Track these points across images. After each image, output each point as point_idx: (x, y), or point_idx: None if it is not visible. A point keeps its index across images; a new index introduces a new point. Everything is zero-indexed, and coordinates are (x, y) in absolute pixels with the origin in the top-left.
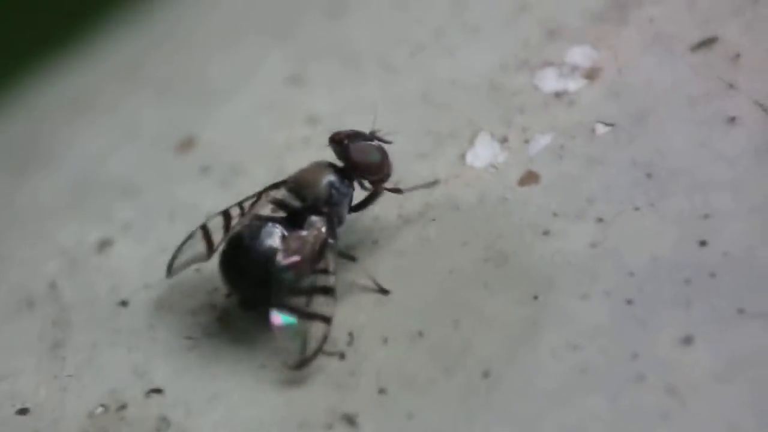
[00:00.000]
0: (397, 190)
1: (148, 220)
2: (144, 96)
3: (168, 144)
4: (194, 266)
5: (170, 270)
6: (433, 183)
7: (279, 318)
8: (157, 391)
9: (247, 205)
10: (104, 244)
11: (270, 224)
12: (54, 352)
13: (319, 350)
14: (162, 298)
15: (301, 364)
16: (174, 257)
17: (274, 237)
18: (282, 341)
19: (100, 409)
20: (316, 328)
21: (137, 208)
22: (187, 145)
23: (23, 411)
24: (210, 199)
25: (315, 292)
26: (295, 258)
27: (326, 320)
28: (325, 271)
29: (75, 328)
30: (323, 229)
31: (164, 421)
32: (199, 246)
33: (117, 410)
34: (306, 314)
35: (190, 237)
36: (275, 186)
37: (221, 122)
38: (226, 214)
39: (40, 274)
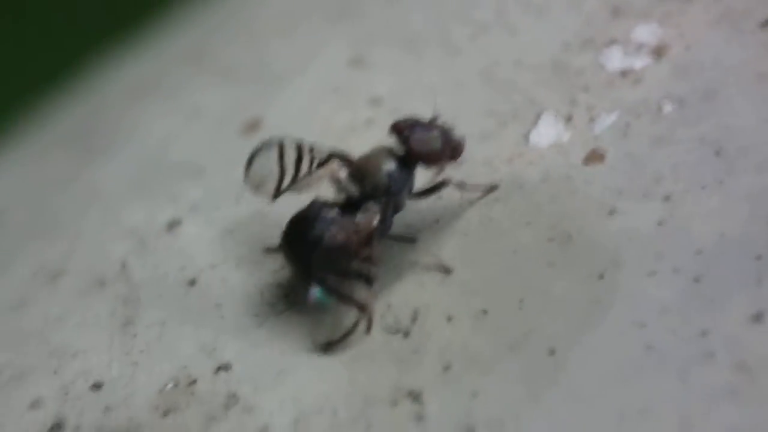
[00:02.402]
0: (461, 185)
1: (214, 201)
2: (208, 79)
3: (233, 126)
4: (261, 193)
5: (247, 174)
6: (495, 187)
7: (315, 295)
8: (226, 367)
9: (316, 160)
10: (172, 225)
11: (327, 208)
12: (125, 330)
13: (348, 335)
14: (229, 276)
15: (328, 346)
16: (251, 160)
17: (327, 222)
18: (315, 317)
19: (170, 385)
20: (350, 312)
21: (204, 190)
22: (251, 127)
23: (97, 386)
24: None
25: (356, 277)
26: (341, 241)
27: (361, 307)
28: (369, 259)
29: (145, 307)
30: (376, 217)
31: (233, 396)
32: (272, 168)
33: (187, 386)
34: (342, 297)
35: (265, 146)
36: (342, 158)
37: (285, 105)
38: (299, 149)
39: (111, 254)
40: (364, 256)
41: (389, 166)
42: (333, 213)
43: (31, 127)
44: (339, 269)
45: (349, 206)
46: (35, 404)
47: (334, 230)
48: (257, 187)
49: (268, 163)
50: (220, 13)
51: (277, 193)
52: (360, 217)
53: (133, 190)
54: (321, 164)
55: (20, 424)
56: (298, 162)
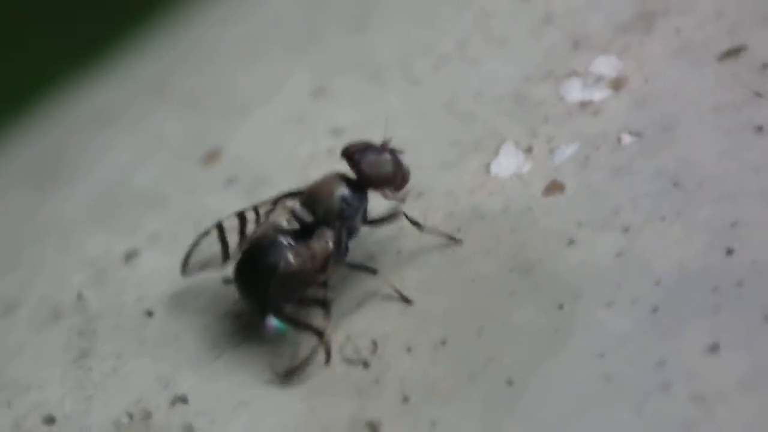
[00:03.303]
0: (416, 224)
1: (174, 231)
2: (170, 110)
3: (194, 156)
4: (209, 269)
5: (185, 268)
6: (457, 240)
7: (273, 324)
8: (183, 400)
9: (263, 211)
10: (131, 255)
11: (281, 236)
12: (80, 362)
13: (306, 363)
14: (187, 308)
15: (288, 373)
16: (188, 255)
17: (283, 249)
18: (273, 348)
19: (125, 419)
20: (308, 340)
21: (163, 220)
22: (212, 157)
23: (49, 420)
24: (235, 210)
25: (312, 304)
26: (297, 267)
27: (319, 333)
28: (325, 285)
29: (101, 338)
30: (330, 243)
31: (189, 429)
32: (214, 248)
33: (142, 419)
34: (300, 324)
35: (205, 234)
36: (292, 195)
37: (246, 135)
38: (241, 216)
39: (67, 285)
40: (320, 282)
41: (341, 190)
42: (287, 240)
43: None
44: (295, 297)
45: (303, 233)
46: None
47: (290, 257)
48: (203, 267)
49: (209, 248)
50: (183, 43)
51: (227, 256)
52: (315, 243)
53: (93, 220)
54: (269, 211)
55: None
56: (243, 228)
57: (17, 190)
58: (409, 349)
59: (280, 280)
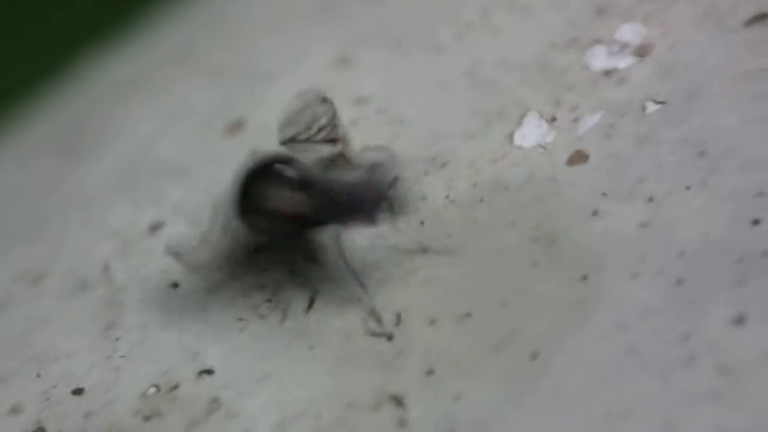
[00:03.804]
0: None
1: (198, 203)
2: (194, 79)
3: (217, 126)
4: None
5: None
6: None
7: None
8: (209, 371)
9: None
10: (155, 227)
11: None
12: (107, 333)
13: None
14: (213, 279)
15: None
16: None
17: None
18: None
19: (152, 390)
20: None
21: (187, 191)
22: (236, 127)
23: (78, 391)
24: None
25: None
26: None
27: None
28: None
29: (128, 310)
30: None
31: (215, 401)
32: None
33: (169, 391)
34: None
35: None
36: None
37: (270, 105)
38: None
39: (93, 256)
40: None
41: None
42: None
43: (16, 129)
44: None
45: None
46: (16, 409)
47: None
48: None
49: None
50: (206, 13)
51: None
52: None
53: (117, 191)
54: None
55: (1, 429)
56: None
57: (42, 161)
58: (432, 322)
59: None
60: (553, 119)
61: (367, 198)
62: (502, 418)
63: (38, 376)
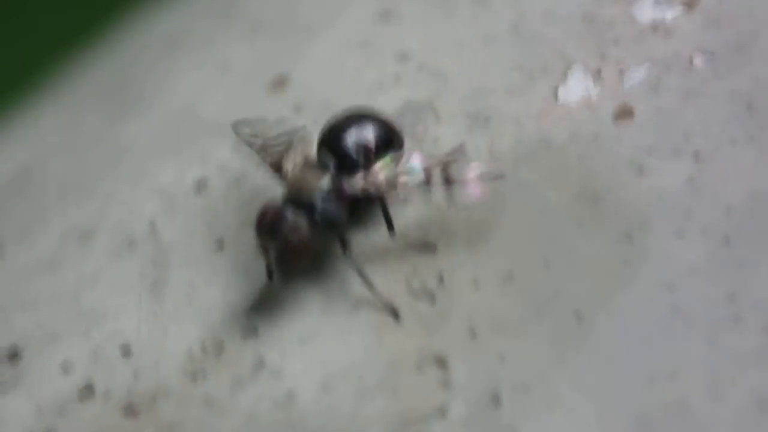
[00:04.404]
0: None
1: (242, 161)
2: (236, 34)
3: (260, 83)
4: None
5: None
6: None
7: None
8: (253, 332)
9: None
10: (200, 185)
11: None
12: (154, 292)
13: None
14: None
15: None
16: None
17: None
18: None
19: (198, 349)
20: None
21: (232, 148)
22: (279, 83)
23: (126, 349)
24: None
25: None
26: None
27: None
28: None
29: (174, 268)
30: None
31: (260, 361)
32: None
33: (215, 351)
34: None
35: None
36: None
37: (312, 60)
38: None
39: (140, 214)
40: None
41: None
42: None
43: (62, 85)
44: None
45: None
46: (66, 367)
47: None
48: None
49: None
50: None
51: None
52: None
53: (162, 148)
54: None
55: (51, 387)
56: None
57: (88, 119)
58: (475, 283)
59: None
60: (598, 74)
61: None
62: (546, 379)
63: (87, 334)
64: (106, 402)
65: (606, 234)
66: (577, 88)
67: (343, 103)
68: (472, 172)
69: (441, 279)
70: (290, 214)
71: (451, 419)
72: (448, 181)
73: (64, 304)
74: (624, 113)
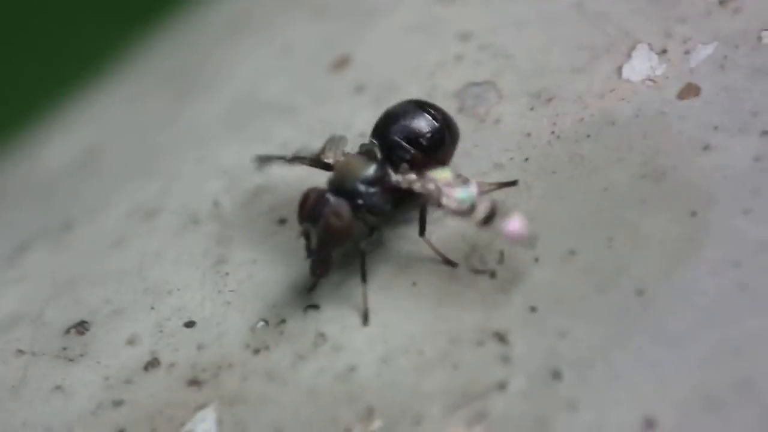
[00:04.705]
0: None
1: (304, 140)
2: (298, 16)
3: (323, 64)
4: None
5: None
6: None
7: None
8: (315, 306)
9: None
10: (263, 164)
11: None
12: (217, 268)
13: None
14: None
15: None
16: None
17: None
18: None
19: (261, 324)
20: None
21: (293, 128)
22: (341, 64)
23: (190, 324)
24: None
25: None
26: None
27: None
28: None
29: (236, 246)
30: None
31: (321, 336)
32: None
33: (277, 325)
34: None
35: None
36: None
37: (374, 41)
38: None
39: (204, 192)
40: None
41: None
42: None
43: (128, 68)
44: None
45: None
46: (132, 340)
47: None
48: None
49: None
50: None
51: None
52: None
53: (226, 128)
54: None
55: (118, 359)
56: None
57: (153, 100)
58: (536, 260)
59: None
60: (663, 52)
61: None
62: (607, 356)
63: (152, 308)
64: (171, 374)
65: (670, 211)
66: (641, 66)
67: (404, 83)
68: (517, 222)
69: (501, 256)
70: (332, 199)
71: (511, 393)
72: (489, 219)
73: (130, 280)
74: (690, 91)
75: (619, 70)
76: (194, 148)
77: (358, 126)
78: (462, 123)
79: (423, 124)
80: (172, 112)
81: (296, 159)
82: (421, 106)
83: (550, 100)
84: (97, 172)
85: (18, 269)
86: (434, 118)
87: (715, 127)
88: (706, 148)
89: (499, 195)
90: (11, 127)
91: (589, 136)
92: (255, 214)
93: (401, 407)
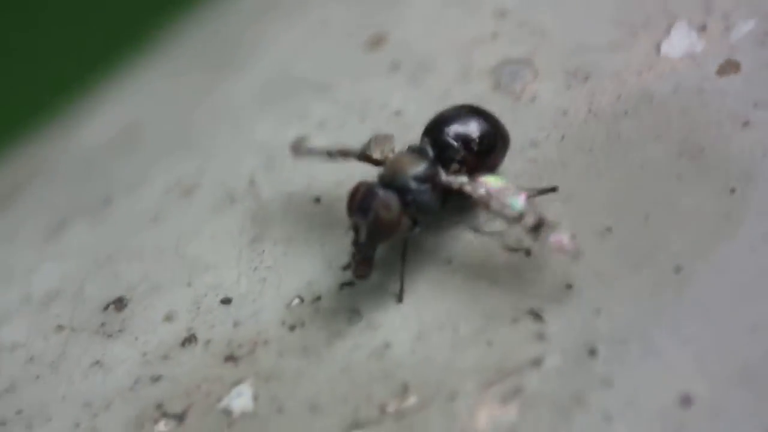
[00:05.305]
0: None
1: (339, 118)
2: None
3: (358, 41)
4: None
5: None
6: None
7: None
8: (349, 284)
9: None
10: (300, 141)
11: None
12: (253, 246)
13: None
14: None
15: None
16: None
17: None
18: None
19: (296, 301)
20: None
21: (329, 106)
22: (377, 41)
23: (226, 301)
24: (399, 95)
25: None
26: None
27: None
28: None
29: (272, 223)
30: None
31: (356, 313)
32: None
33: (312, 302)
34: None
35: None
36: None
37: (410, 18)
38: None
39: (240, 170)
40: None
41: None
42: None
43: (165, 46)
44: None
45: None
46: (169, 317)
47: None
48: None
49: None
50: None
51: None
52: None
53: (262, 106)
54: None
55: (155, 335)
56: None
57: (190, 77)
58: (572, 237)
59: None
60: (703, 27)
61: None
62: (644, 331)
63: (189, 285)
64: (208, 350)
65: (708, 187)
66: (680, 42)
67: (440, 61)
68: (562, 237)
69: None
70: (382, 192)
71: (547, 370)
72: (537, 228)
73: (168, 257)
74: (729, 67)
75: (658, 46)
76: (231, 125)
77: (394, 104)
78: (497, 101)
79: (475, 127)
80: (209, 89)
81: (339, 153)
82: (474, 111)
83: (587, 77)
84: (135, 148)
85: (58, 245)
86: (486, 122)
87: (755, 104)
88: (746, 124)
89: (537, 173)
90: (51, 104)
91: (626, 113)
92: (290, 192)
93: (436, 383)
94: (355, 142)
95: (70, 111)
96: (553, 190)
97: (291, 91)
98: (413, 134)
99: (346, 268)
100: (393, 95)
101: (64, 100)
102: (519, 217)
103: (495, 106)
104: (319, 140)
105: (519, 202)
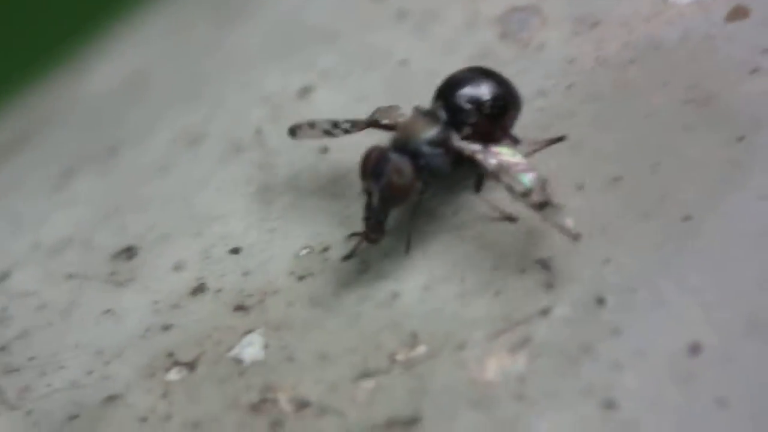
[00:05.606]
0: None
1: (346, 67)
2: None
3: None
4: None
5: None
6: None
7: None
8: (358, 234)
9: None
10: (305, 91)
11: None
12: (261, 196)
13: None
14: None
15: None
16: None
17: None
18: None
19: (305, 251)
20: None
21: (336, 55)
22: None
23: (235, 250)
24: (405, 45)
25: None
26: None
27: None
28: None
29: (280, 173)
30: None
31: (364, 263)
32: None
33: (320, 252)
34: None
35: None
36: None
37: None
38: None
39: (247, 120)
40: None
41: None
42: None
43: None
44: None
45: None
46: (178, 266)
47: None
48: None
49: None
50: None
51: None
52: None
53: (268, 56)
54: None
55: (166, 284)
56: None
57: (197, 26)
58: (580, 187)
59: None
60: None
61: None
62: (652, 281)
63: (198, 235)
64: (218, 299)
65: (716, 136)
66: None
67: (446, 10)
68: (566, 217)
69: (545, 184)
70: (395, 156)
71: (555, 319)
72: (542, 206)
73: (176, 207)
74: (738, 13)
75: None
76: (237, 75)
77: (400, 53)
78: (505, 49)
79: (487, 90)
80: (215, 39)
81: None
82: (485, 73)
83: (594, 25)
84: (142, 97)
85: (66, 193)
86: (499, 84)
87: (764, 50)
88: (755, 71)
89: (545, 122)
90: (57, 52)
91: (633, 61)
92: (297, 142)
93: (444, 333)
94: (364, 91)
95: (77, 59)
96: (561, 139)
97: (297, 41)
98: (418, 84)
99: (352, 235)
100: (399, 44)
101: (71, 48)
102: (527, 193)
103: (502, 54)
104: (326, 90)
105: (529, 179)
